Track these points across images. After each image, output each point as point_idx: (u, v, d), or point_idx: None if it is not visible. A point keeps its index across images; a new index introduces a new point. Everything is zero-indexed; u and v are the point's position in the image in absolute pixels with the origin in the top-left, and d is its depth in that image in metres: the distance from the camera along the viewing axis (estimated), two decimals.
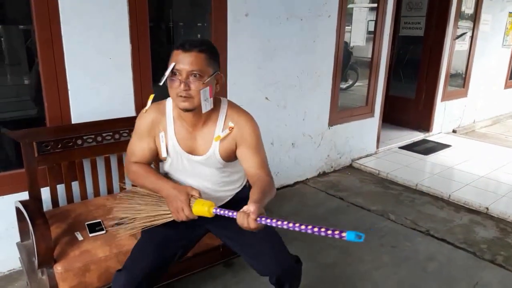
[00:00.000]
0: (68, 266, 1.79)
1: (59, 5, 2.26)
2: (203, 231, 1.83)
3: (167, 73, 1.47)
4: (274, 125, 3.60)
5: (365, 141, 4.65)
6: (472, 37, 5.82)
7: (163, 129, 1.64)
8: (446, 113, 5.82)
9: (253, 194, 1.47)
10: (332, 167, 4.31)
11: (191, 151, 1.65)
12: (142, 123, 1.67)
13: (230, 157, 1.67)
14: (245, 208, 1.36)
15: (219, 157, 1.64)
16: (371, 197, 3.73)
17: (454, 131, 6.04)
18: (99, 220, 2.09)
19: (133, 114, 2.60)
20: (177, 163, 1.69)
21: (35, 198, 2.17)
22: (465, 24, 5.70)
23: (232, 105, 1.66)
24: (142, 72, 2.64)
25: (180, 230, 1.72)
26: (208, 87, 1.48)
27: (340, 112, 4.23)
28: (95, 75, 2.48)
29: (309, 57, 3.70)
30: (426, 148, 5.12)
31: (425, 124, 5.68)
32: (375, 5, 4.36)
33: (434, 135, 5.69)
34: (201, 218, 1.56)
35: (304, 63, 3.67)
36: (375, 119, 4.66)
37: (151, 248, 1.64)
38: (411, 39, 5.76)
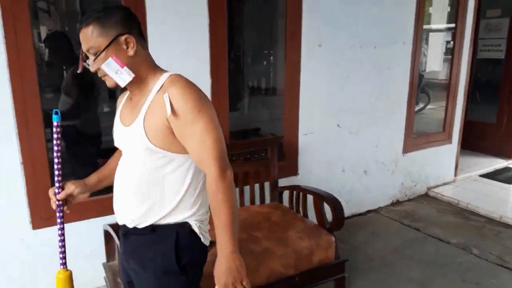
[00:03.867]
0: None
1: (147, 30, 2.43)
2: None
3: (81, 59, 1.31)
4: (346, 152, 3.57)
5: (442, 168, 4.45)
6: None
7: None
8: None
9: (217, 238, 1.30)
10: (406, 195, 4.16)
11: (124, 122, 1.39)
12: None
13: (158, 138, 1.27)
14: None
15: (143, 131, 1.27)
16: (450, 228, 3.53)
17: None
18: None
19: None
20: (118, 141, 1.45)
21: None
22: None
23: (175, 76, 1.31)
24: (221, 100, 2.78)
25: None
26: (110, 59, 1.24)
27: (415, 139, 4.11)
28: None
29: (383, 84, 3.66)
30: (509, 176, 4.78)
31: (507, 150, 5.32)
32: (452, 25, 4.24)
33: None
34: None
35: (377, 90, 3.63)
36: (453, 146, 4.45)
37: None
38: (488, 61, 5.51)
